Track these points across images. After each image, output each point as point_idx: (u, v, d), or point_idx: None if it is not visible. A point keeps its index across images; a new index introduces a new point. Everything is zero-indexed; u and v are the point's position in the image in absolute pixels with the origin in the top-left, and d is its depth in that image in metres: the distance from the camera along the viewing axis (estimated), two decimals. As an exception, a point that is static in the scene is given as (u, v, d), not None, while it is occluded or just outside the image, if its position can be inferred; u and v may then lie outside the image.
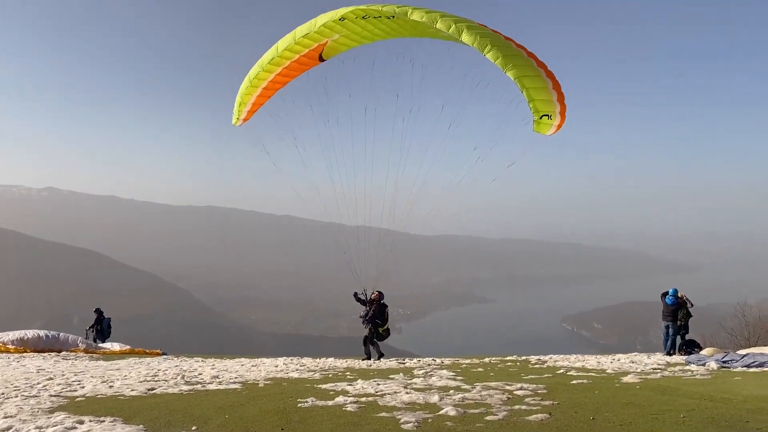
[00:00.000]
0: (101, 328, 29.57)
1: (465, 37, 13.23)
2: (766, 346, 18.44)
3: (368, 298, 20.51)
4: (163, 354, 27.83)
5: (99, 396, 11.29)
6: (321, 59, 15.98)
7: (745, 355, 15.84)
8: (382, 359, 20.27)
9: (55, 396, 11.24)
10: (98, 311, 30.33)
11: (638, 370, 15.31)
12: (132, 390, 11.96)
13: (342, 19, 14.32)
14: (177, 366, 18.66)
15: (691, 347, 21.44)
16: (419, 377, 13.91)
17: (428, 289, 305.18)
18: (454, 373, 14.78)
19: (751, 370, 14.74)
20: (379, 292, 20.62)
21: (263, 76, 16.12)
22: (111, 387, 12.51)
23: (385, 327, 20.53)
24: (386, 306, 20.62)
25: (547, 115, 13.71)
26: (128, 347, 28.53)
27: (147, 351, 28.18)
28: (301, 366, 18.48)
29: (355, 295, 20.81)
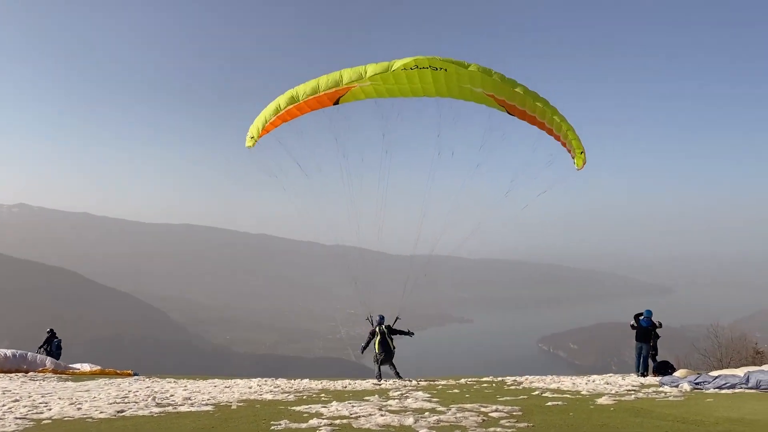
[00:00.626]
0: (50, 349, 28.99)
1: (519, 88, 15.30)
2: (738, 368, 18.62)
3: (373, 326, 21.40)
4: (135, 374, 27.35)
5: (66, 419, 11.03)
6: (336, 102, 16.63)
7: (717, 377, 15.97)
8: (379, 380, 20.71)
9: (20, 418, 10.95)
10: (50, 332, 29.90)
11: (613, 392, 15.37)
12: (101, 412, 11.69)
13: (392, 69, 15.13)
14: (148, 387, 18.34)
15: (664, 369, 21.58)
16: (394, 399, 13.81)
17: (404, 309, 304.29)
18: (429, 395, 14.71)
19: (723, 391, 14.87)
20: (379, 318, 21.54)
21: (286, 107, 16.60)
22: (79, 409, 12.23)
23: (377, 351, 21.04)
24: (375, 333, 21.17)
25: (582, 151, 16.46)
26: (98, 368, 28.00)
27: (118, 371, 27.67)
28: (275, 387, 18.27)
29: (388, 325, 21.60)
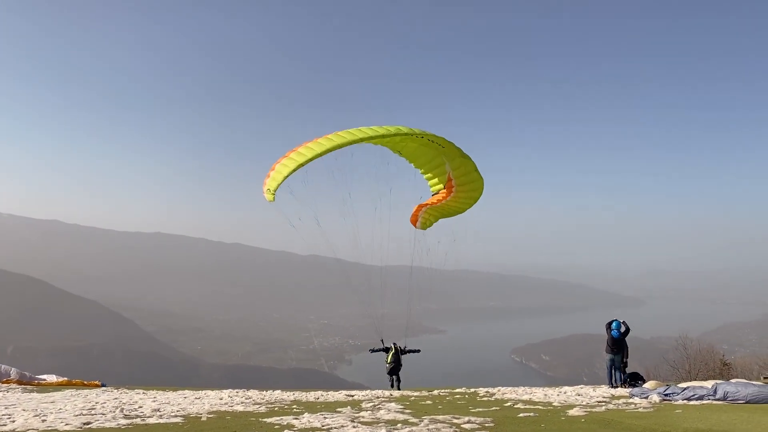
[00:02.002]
0: None
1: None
2: (706, 380, 18.91)
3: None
4: (102, 385, 26.88)
5: (30, 431, 10.77)
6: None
7: (686, 388, 16.19)
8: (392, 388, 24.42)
9: (-18, 431, 10.67)
10: None
11: (584, 403, 15.48)
12: (66, 424, 11.44)
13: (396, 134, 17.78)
14: (116, 398, 18.01)
15: (634, 380, 21.82)
16: (367, 410, 13.75)
17: (378, 319, 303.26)
18: (402, 406, 14.67)
19: (692, 402, 15.07)
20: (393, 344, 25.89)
21: (297, 167, 17.95)
22: (44, 421, 11.94)
23: (388, 361, 25.27)
24: (390, 348, 25.58)
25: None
26: (65, 379, 27.46)
27: (85, 382, 27.17)
28: (246, 399, 18.07)
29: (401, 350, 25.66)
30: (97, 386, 26.35)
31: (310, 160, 17.44)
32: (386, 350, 25.30)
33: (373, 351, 26.06)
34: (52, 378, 27.31)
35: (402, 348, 25.40)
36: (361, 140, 17.42)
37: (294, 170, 17.72)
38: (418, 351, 26.00)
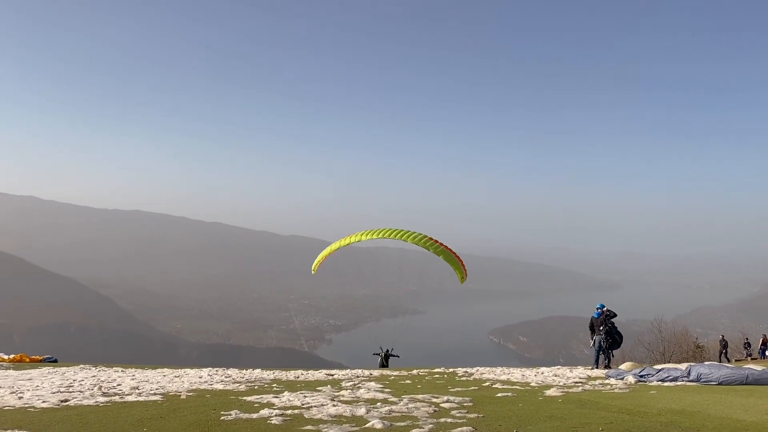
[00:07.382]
0: None
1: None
2: (680, 363, 19.28)
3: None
4: (47, 359, 27.04)
5: (6, 408, 10.68)
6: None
7: (660, 370, 16.49)
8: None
9: (-43, 408, 10.55)
10: None
11: (560, 384, 15.71)
12: (43, 401, 11.36)
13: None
14: (94, 376, 17.93)
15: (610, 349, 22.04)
16: (347, 389, 13.83)
17: (358, 300, 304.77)
18: (382, 385, 14.77)
19: (666, 384, 15.35)
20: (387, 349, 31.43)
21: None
22: (20, 398, 11.86)
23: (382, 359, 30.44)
24: (382, 354, 30.64)
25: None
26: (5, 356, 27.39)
27: (29, 358, 27.11)
28: (226, 377, 18.08)
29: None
30: (40, 361, 26.43)
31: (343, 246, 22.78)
32: (378, 354, 30.68)
33: (375, 354, 31.44)
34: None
35: (389, 352, 30.67)
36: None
37: (326, 255, 23.45)
38: (398, 356, 30.98)
